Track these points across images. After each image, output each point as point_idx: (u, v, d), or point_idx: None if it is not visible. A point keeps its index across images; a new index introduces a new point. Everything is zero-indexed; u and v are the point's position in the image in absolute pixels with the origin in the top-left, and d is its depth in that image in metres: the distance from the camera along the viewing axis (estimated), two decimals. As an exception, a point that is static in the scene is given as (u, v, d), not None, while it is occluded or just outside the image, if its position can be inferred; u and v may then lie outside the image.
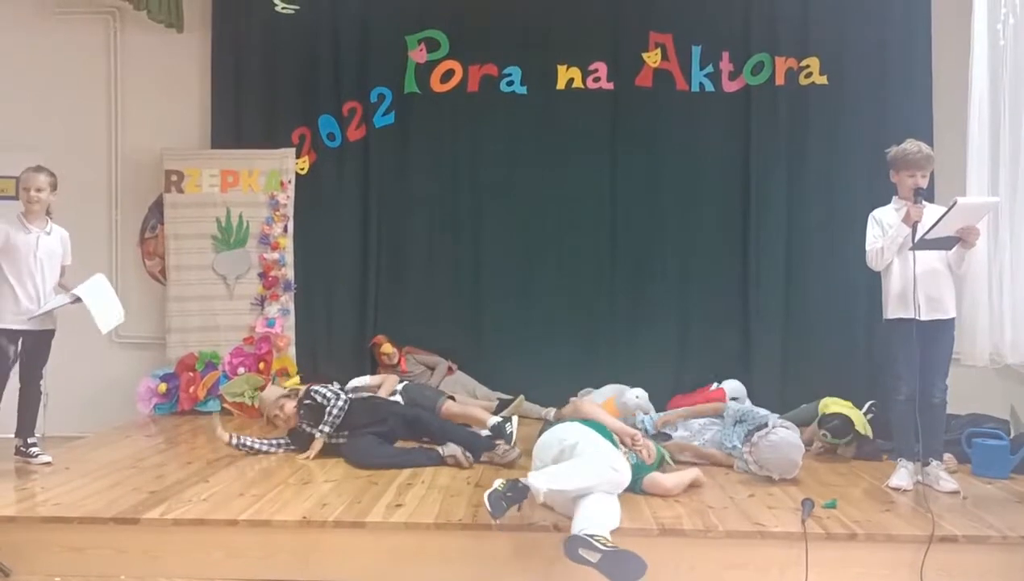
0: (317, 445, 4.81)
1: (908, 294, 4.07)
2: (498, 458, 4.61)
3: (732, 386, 5.68)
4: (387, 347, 6.48)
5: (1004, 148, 4.98)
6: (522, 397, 6.13)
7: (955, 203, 3.83)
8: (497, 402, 6.05)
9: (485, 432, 4.96)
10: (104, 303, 4.80)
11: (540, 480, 3.39)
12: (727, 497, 4.04)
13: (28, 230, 4.65)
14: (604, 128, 6.73)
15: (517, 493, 3.35)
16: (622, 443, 4.02)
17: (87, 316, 4.87)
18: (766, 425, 4.40)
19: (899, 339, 4.15)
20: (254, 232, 6.68)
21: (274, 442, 4.98)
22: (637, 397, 5.55)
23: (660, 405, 5.66)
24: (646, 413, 5.28)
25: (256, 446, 4.91)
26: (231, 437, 4.85)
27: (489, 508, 3.32)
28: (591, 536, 3.15)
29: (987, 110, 4.98)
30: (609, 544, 3.14)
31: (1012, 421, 5.39)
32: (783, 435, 4.31)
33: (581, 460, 3.53)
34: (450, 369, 6.53)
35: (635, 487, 3.96)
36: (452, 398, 5.56)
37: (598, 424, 3.99)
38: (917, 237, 3.98)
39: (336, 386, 5.17)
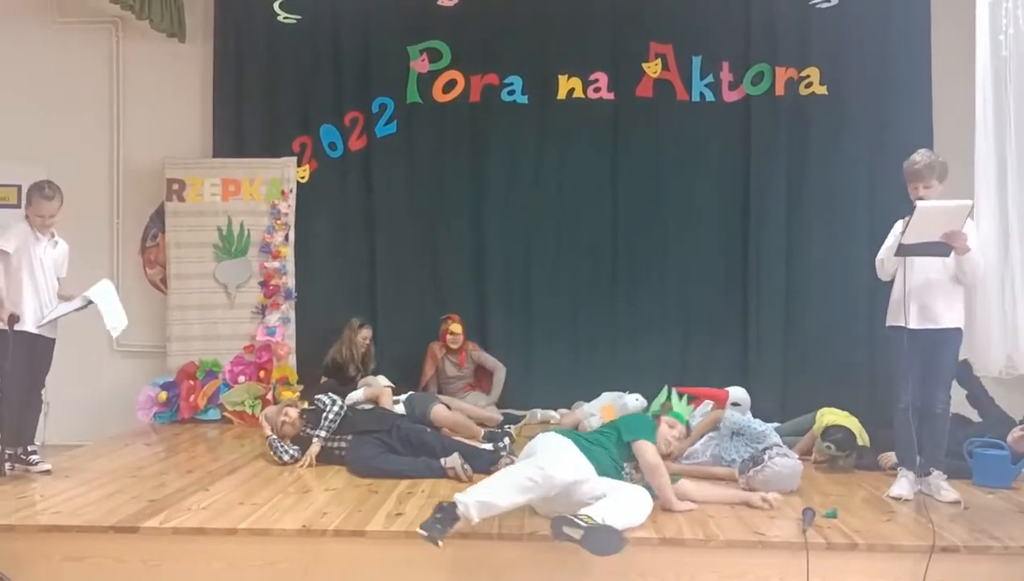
0: (314, 449, 4.81)
1: (901, 302, 4.12)
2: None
3: (737, 393, 5.69)
4: (456, 327, 6.43)
5: (1011, 160, 4.97)
6: (533, 413, 6.23)
7: (915, 207, 3.90)
8: (501, 417, 6.04)
9: (487, 446, 4.95)
10: (112, 306, 4.84)
11: (467, 495, 3.34)
12: (727, 506, 4.02)
13: (38, 239, 4.71)
14: (605, 138, 6.76)
15: (446, 513, 3.29)
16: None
17: (87, 324, 4.91)
18: (763, 454, 4.36)
19: (895, 347, 4.18)
20: (255, 241, 6.70)
21: (293, 451, 4.90)
22: (637, 399, 5.67)
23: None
24: None
25: (280, 452, 4.88)
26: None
27: (425, 535, 3.26)
28: (575, 516, 3.22)
29: (992, 122, 4.97)
30: (591, 521, 3.19)
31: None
32: (777, 468, 4.25)
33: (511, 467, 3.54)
34: (469, 385, 6.55)
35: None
36: (447, 406, 5.56)
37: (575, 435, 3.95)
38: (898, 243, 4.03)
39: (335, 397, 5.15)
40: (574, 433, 4.04)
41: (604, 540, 3.19)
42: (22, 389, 4.59)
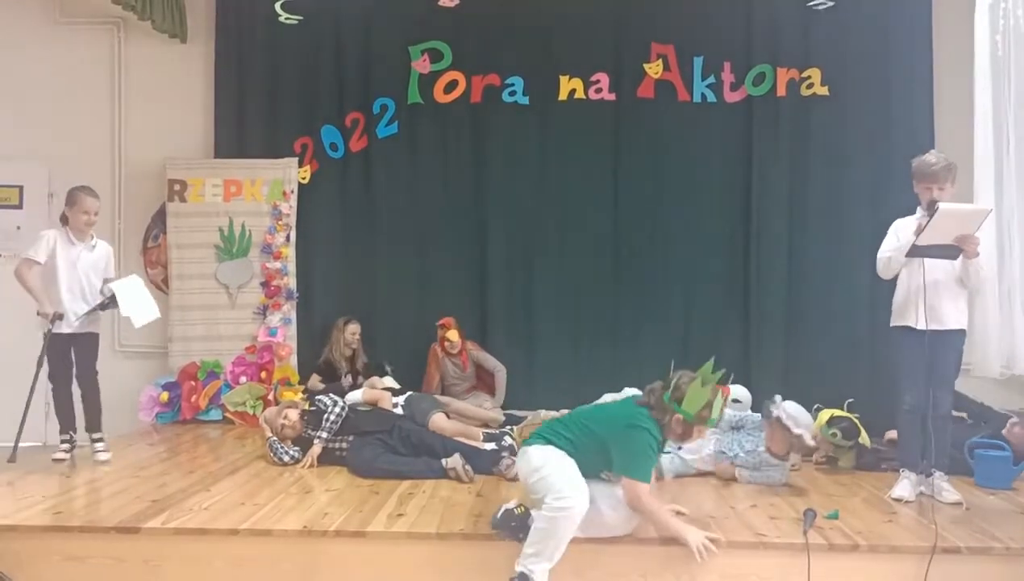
0: (315, 450, 4.82)
1: (908, 303, 4.10)
2: (504, 472, 4.58)
3: (738, 391, 5.71)
4: (453, 334, 6.37)
5: (1008, 160, 4.97)
6: (536, 414, 6.20)
7: (937, 209, 3.84)
8: (504, 418, 6.03)
9: (490, 446, 4.95)
10: (137, 300, 4.98)
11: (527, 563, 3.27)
12: (728, 507, 4.03)
13: (73, 243, 4.85)
14: (606, 139, 6.76)
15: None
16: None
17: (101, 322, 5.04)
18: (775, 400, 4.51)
19: (900, 348, 4.17)
20: (256, 241, 6.70)
21: (293, 452, 4.91)
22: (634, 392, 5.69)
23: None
24: None
25: (280, 453, 4.88)
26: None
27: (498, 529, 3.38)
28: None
29: (991, 122, 4.98)
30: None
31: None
32: (791, 407, 4.48)
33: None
34: (473, 386, 6.53)
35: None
36: (447, 411, 5.55)
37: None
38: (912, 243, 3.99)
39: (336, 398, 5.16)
40: (551, 431, 3.59)
41: None
42: (66, 384, 4.89)
